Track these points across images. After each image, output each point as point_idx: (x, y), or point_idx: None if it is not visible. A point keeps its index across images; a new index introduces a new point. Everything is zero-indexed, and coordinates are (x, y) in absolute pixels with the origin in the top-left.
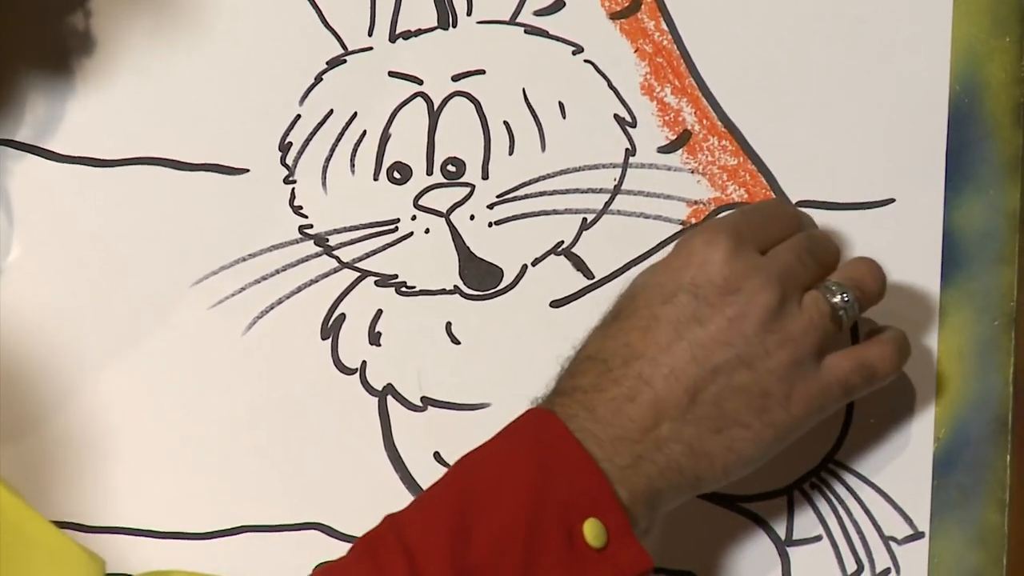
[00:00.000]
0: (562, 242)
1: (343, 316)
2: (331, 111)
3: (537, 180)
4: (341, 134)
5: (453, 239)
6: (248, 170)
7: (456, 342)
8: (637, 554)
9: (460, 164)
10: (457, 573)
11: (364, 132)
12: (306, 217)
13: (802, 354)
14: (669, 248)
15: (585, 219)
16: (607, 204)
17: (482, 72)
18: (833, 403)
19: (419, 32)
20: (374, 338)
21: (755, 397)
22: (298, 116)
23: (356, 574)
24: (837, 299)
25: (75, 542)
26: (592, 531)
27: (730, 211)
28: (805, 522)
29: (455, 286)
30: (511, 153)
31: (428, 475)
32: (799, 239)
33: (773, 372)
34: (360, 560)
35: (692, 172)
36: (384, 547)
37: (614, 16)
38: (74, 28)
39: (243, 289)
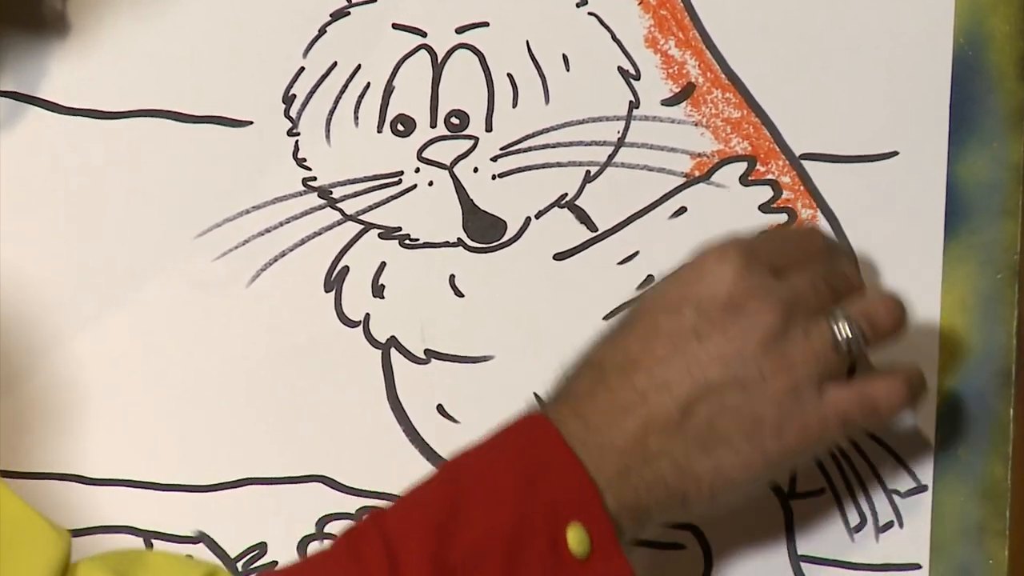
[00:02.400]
0: (566, 195)
1: (347, 269)
2: (335, 63)
3: (541, 133)
4: (345, 86)
5: (457, 192)
6: (252, 122)
7: (460, 295)
8: (620, 566)
9: (464, 116)
10: (437, 571)
11: (368, 84)
12: (310, 170)
13: (800, 382)
14: (673, 201)
15: (589, 172)
16: (611, 157)
17: (486, 24)
18: (830, 436)
19: None
20: (377, 290)
21: (747, 420)
22: (302, 68)
23: (336, 566)
24: (843, 331)
25: (41, 516)
26: (576, 538)
27: (756, 232)
28: (808, 475)
29: (459, 239)
30: (515, 106)
31: (431, 428)
32: (818, 266)
33: (768, 397)
34: (341, 553)
35: (696, 125)
36: (366, 541)
37: None
38: None
39: (247, 241)
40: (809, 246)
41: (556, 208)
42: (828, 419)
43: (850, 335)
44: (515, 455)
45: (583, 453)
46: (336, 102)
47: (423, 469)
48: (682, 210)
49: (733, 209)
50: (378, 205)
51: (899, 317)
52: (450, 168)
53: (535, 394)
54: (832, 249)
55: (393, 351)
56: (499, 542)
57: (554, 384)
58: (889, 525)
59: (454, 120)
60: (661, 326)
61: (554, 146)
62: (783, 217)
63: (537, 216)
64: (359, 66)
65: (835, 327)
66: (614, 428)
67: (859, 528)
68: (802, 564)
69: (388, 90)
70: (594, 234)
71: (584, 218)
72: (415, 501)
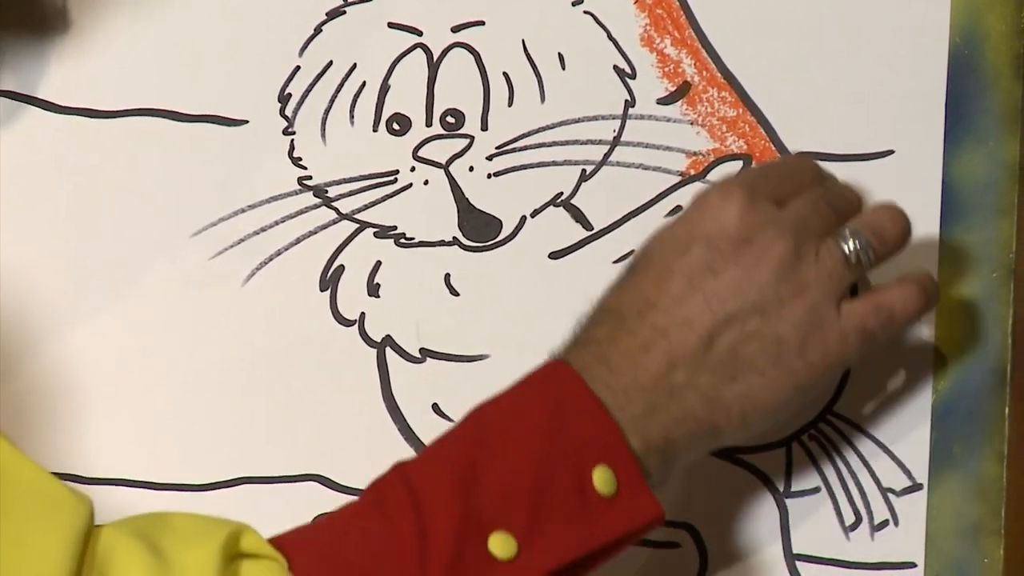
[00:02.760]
0: (561, 193)
1: (342, 267)
2: (330, 62)
3: (536, 131)
4: (340, 85)
5: (452, 190)
6: (247, 121)
7: (455, 293)
8: (648, 503)
9: (459, 115)
10: (464, 518)
11: (363, 83)
12: (305, 168)
13: (817, 301)
14: (668, 200)
15: (584, 170)
16: (606, 155)
17: (482, 23)
18: (853, 350)
19: None
20: (373, 289)
21: (770, 344)
22: (297, 67)
23: (363, 519)
24: (851, 244)
25: (62, 483)
26: (602, 478)
27: (749, 167)
28: (804, 474)
29: (454, 237)
30: (510, 104)
31: (426, 426)
32: (816, 191)
33: (787, 319)
34: (368, 506)
35: (691, 123)
36: (391, 491)
37: None
38: None
39: (242, 240)
40: (803, 174)
41: (551, 207)
42: (848, 333)
43: (859, 247)
44: (538, 402)
45: (607, 396)
46: (332, 101)
47: None
48: (678, 209)
49: None
50: (373, 204)
51: (903, 224)
52: (446, 167)
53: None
54: (825, 174)
55: (388, 350)
56: (525, 486)
57: (572, 332)
58: (884, 524)
59: (450, 119)
60: (674, 266)
61: (550, 145)
62: None
63: (532, 215)
64: (355, 65)
65: (843, 244)
66: (638, 368)
67: (854, 526)
68: (797, 563)
69: (384, 89)
70: (590, 233)
71: (580, 217)
72: (440, 451)
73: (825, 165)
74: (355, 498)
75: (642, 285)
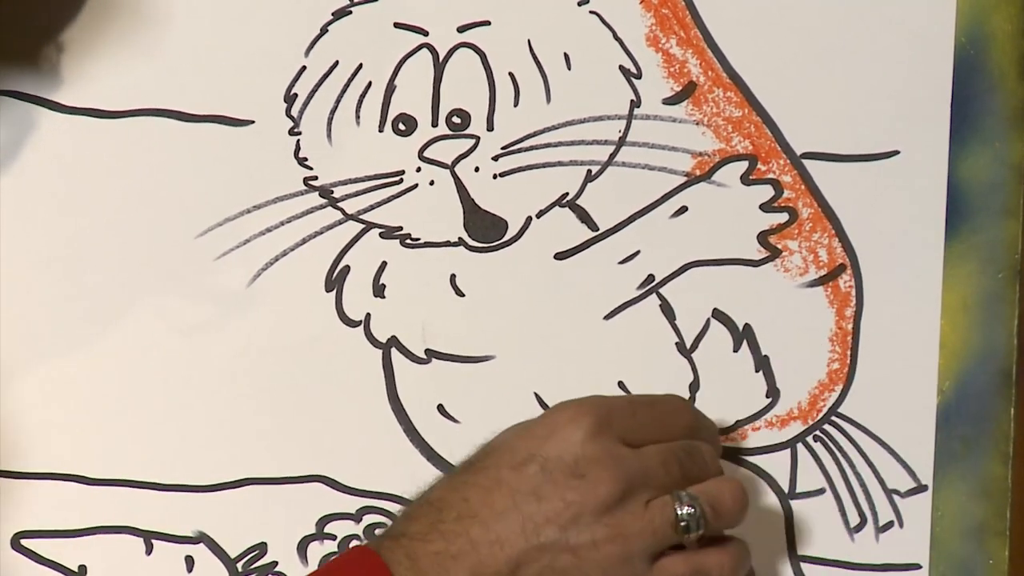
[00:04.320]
0: (567, 194)
1: (347, 268)
2: (336, 62)
3: (542, 132)
4: (346, 86)
5: (458, 191)
6: (253, 122)
7: (460, 294)
8: None
9: (465, 116)
10: None
11: (369, 83)
12: (311, 169)
13: (631, 553)
14: (674, 200)
15: (590, 171)
16: (612, 156)
17: (487, 23)
18: None
19: None
20: (378, 290)
21: None
22: (303, 67)
23: None
24: (684, 510)
25: None
26: None
27: (617, 396)
28: (808, 475)
29: (459, 238)
30: (516, 105)
31: (432, 427)
32: (676, 446)
33: (597, 564)
34: None
35: (697, 124)
36: None
37: None
38: None
39: (248, 241)
40: (672, 424)
41: (557, 207)
42: None
43: (692, 515)
44: None
45: None
46: (337, 101)
47: (423, 469)
48: (683, 209)
49: (734, 208)
50: (379, 204)
51: (742, 503)
52: (451, 167)
53: (535, 394)
54: (695, 429)
55: (394, 351)
56: None
57: (394, 519)
58: (889, 525)
59: (455, 119)
60: (504, 480)
61: (555, 145)
62: (784, 216)
63: (538, 215)
64: (360, 65)
65: (677, 506)
66: (443, 575)
67: (859, 528)
68: (802, 564)
69: (389, 89)
70: (595, 233)
71: (585, 217)
72: None
73: (831, 165)
74: None
75: (469, 488)
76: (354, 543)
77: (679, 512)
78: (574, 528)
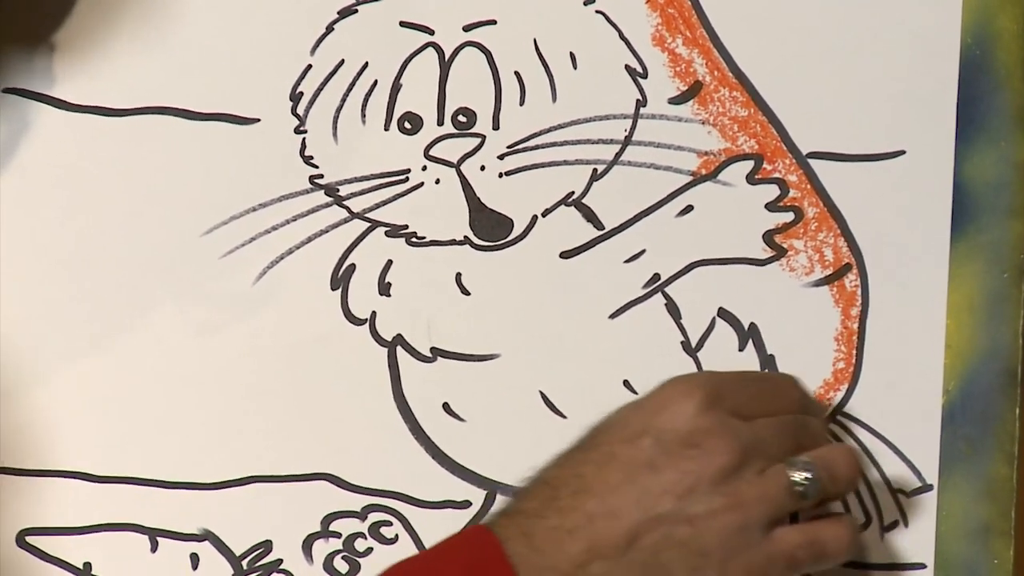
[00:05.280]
0: (572, 193)
1: (353, 266)
2: (342, 61)
3: (548, 131)
4: (352, 84)
5: (463, 189)
6: (259, 120)
7: (466, 293)
8: None
9: (471, 114)
10: None
11: (375, 82)
12: (316, 167)
13: (749, 521)
14: (680, 199)
15: (596, 170)
16: (618, 155)
17: (493, 22)
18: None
19: None
20: (384, 288)
21: (692, 555)
22: (309, 66)
23: None
24: (799, 475)
25: None
26: None
27: (727, 372)
28: None
29: (465, 237)
30: (522, 104)
31: (437, 426)
32: (788, 418)
33: (715, 533)
34: None
35: (703, 123)
36: None
37: None
38: None
39: (253, 239)
40: (782, 398)
41: (563, 206)
42: (775, 559)
43: (808, 481)
44: (458, 568)
45: (525, 572)
46: (343, 100)
47: (428, 467)
48: (689, 208)
49: (740, 207)
50: (385, 203)
51: (856, 469)
52: (457, 166)
53: (541, 392)
54: (804, 405)
55: (399, 349)
56: None
57: (508, 498)
58: (894, 525)
59: (461, 118)
60: (617, 454)
61: (561, 144)
62: (790, 215)
63: (544, 214)
64: (366, 64)
65: (793, 472)
66: (558, 550)
67: (864, 527)
68: None
69: (395, 88)
70: (601, 232)
71: (591, 216)
72: None
73: (837, 165)
74: None
75: (583, 464)
76: (359, 540)
77: (795, 478)
78: (691, 498)
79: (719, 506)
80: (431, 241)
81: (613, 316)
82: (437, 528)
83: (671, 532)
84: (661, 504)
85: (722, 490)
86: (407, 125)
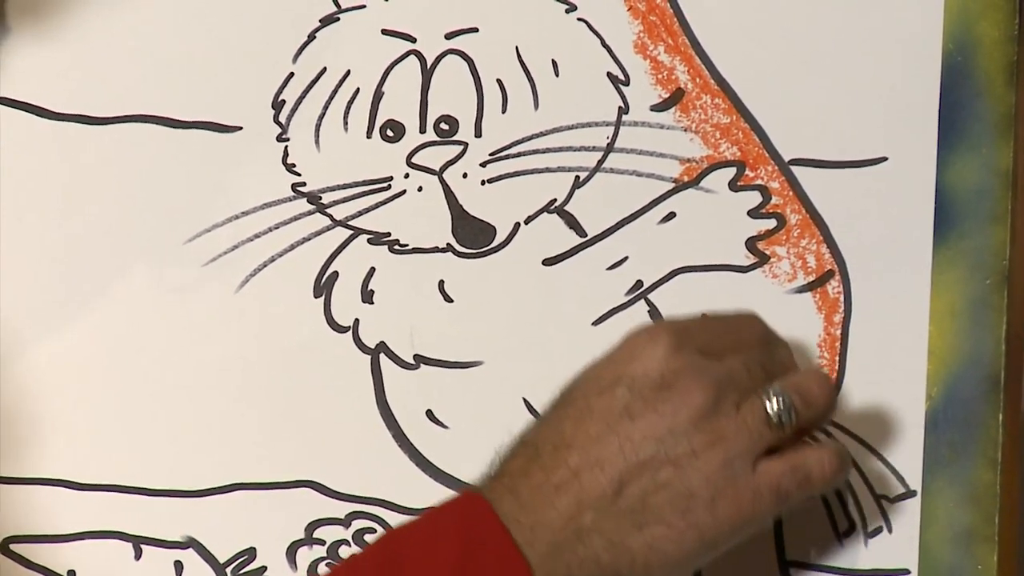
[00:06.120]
0: (555, 200)
1: (336, 274)
2: (324, 69)
3: (530, 138)
4: (334, 92)
5: (446, 197)
6: (241, 128)
7: (449, 300)
8: None
9: (453, 122)
10: None
11: (357, 90)
12: (299, 175)
13: (732, 456)
14: (662, 206)
15: (578, 177)
16: (600, 162)
17: (475, 30)
18: (766, 508)
19: None
20: (367, 296)
21: (679, 496)
22: (291, 74)
23: None
24: (774, 403)
25: None
26: None
27: (688, 316)
28: None
29: (448, 244)
30: (504, 111)
31: (420, 433)
32: (755, 351)
33: (700, 471)
34: None
35: (685, 130)
36: None
37: None
38: None
39: (236, 247)
40: (746, 333)
41: (545, 213)
42: (762, 491)
43: (782, 408)
44: (451, 532)
45: (516, 531)
46: (325, 107)
47: (412, 474)
48: (671, 215)
49: (722, 214)
50: (367, 210)
51: (830, 392)
52: (439, 173)
53: (524, 399)
54: (769, 337)
55: (382, 356)
56: None
57: (491, 462)
58: (878, 531)
59: (443, 126)
60: (594, 406)
61: (543, 151)
62: (772, 222)
63: (526, 221)
64: (348, 72)
65: (767, 402)
66: (547, 506)
67: (848, 533)
68: (791, 569)
69: (377, 96)
70: (583, 239)
71: (573, 223)
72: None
73: (819, 171)
74: None
75: (561, 420)
76: (343, 547)
77: (770, 408)
78: (671, 439)
79: (700, 444)
80: (414, 248)
81: (596, 323)
82: None
83: (656, 476)
84: (643, 449)
85: (701, 427)
86: (389, 133)
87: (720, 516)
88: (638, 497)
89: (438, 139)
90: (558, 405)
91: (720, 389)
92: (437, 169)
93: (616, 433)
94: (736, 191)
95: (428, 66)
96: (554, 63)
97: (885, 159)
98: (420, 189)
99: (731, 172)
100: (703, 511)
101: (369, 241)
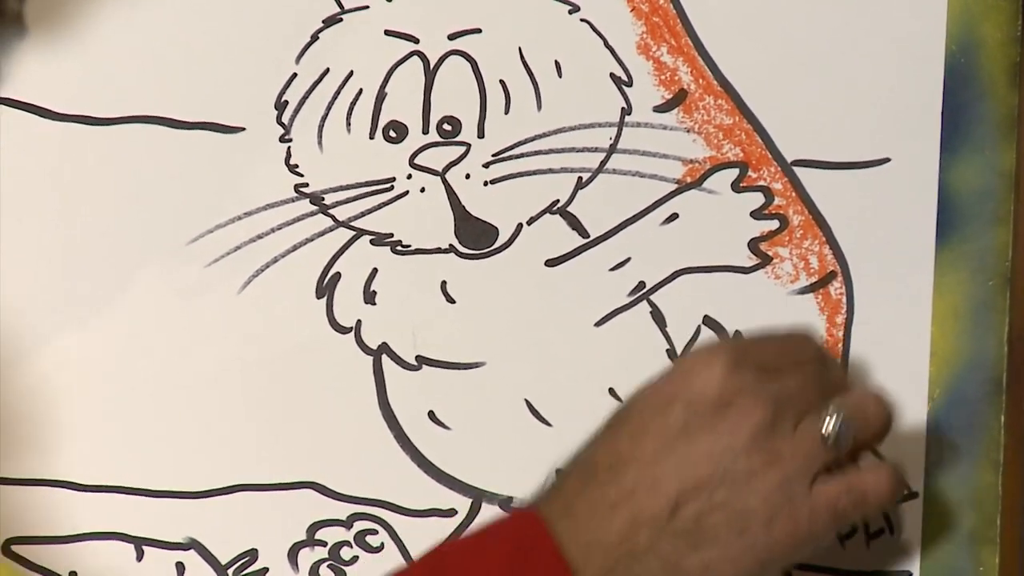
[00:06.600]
0: (557, 201)
1: (338, 275)
2: (327, 70)
3: (533, 139)
4: (337, 93)
5: (448, 198)
6: (244, 129)
7: (451, 301)
8: None
9: (456, 123)
10: None
11: (360, 91)
12: (302, 176)
13: (789, 476)
14: (665, 207)
15: (581, 178)
16: (603, 163)
17: (478, 31)
18: (823, 529)
19: None
20: (369, 297)
21: (735, 516)
22: (294, 75)
23: None
24: (830, 423)
25: None
26: None
27: (749, 334)
28: None
29: (450, 245)
30: (507, 112)
31: (422, 434)
32: (810, 369)
33: (757, 491)
34: None
35: (688, 131)
36: None
37: None
38: None
39: (238, 248)
40: (800, 352)
41: (548, 214)
42: (818, 511)
43: (840, 429)
44: (503, 550)
45: (571, 550)
46: (328, 108)
47: (414, 476)
48: (674, 216)
49: (725, 215)
50: (370, 211)
51: (887, 412)
52: (442, 174)
53: (526, 400)
54: (823, 356)
55: (384, 357)
56: None
57: (545, 480)
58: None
59: (446, 126)
60: (651, 425)
61: (546, 152)
62: (775, 223)
63: (529, 222)
64: (351, 72)
65: (824, 422)
66: (603, 525)
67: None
68: (793, 571)
69: (380, 96)
70: (586, 240)
71: (576, 224)
72: None
73: (822, 173)
74: None
75: (618, 438)
76: (344, 548)
77: (826, 428)
78: (729, 459)
79: (757, 464)
80: (416, 249)
81: (598, 324)
82: (423, 536)
83: (712, 497)
84: (700, 469)
85: (759, 447)
86: (392, 133)
87: (776, 537)
88: (694, 518)
89: (441, 140)
90: (614, 423)
91: (778, 408)
92: (440, 170)
93: (673, 452)
94: (739, 192)
95: (431, 67)
96: (557, 64)
97: (888, 160)
98: (423, 190)
99: (734, 173)
100: (759, 532)
101: (372, 242)
